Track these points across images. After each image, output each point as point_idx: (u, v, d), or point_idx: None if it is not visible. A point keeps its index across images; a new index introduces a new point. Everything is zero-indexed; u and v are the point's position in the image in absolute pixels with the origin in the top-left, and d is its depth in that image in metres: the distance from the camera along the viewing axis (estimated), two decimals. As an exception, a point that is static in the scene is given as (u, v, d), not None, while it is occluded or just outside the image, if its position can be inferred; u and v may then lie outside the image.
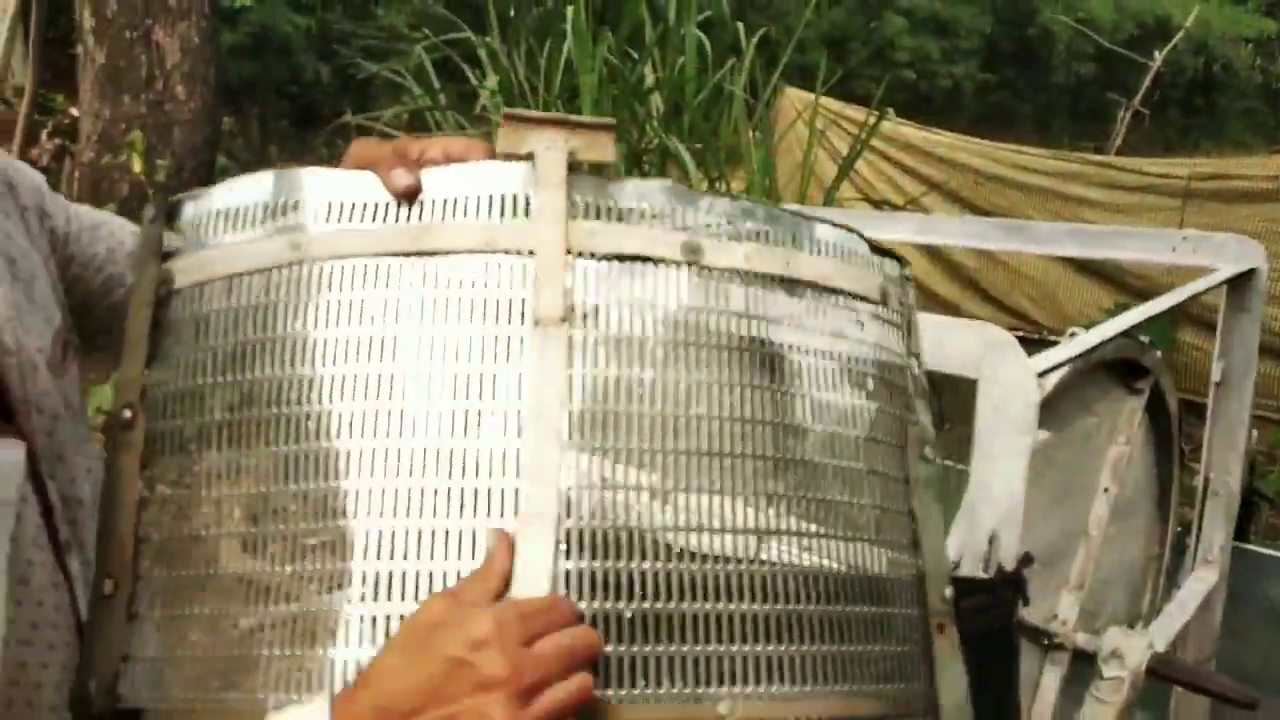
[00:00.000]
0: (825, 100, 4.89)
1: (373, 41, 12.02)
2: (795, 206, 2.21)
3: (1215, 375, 1.65)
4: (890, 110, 4.39)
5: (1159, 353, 1.52)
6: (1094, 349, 1.13)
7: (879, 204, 5.21)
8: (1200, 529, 1.71)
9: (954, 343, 0.98)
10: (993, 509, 0.96)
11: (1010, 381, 0.93)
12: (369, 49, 11.90)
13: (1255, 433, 2.11)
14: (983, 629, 0.97)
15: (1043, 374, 0.97)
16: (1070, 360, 1.09)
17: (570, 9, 3.67)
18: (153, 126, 3.28)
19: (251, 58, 10.79)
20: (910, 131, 5.77)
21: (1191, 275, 1.61)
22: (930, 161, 5.64)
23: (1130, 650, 1.35)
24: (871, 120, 4.11)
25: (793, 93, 5.75)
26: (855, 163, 4.29)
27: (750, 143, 3.92)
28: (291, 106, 12.43)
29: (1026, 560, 0.98)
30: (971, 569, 0.98)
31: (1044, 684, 1.43)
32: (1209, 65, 22.22)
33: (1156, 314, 1.33)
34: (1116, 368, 1.46)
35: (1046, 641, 1.41)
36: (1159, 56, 7.54)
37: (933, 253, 5.61)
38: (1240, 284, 1.60)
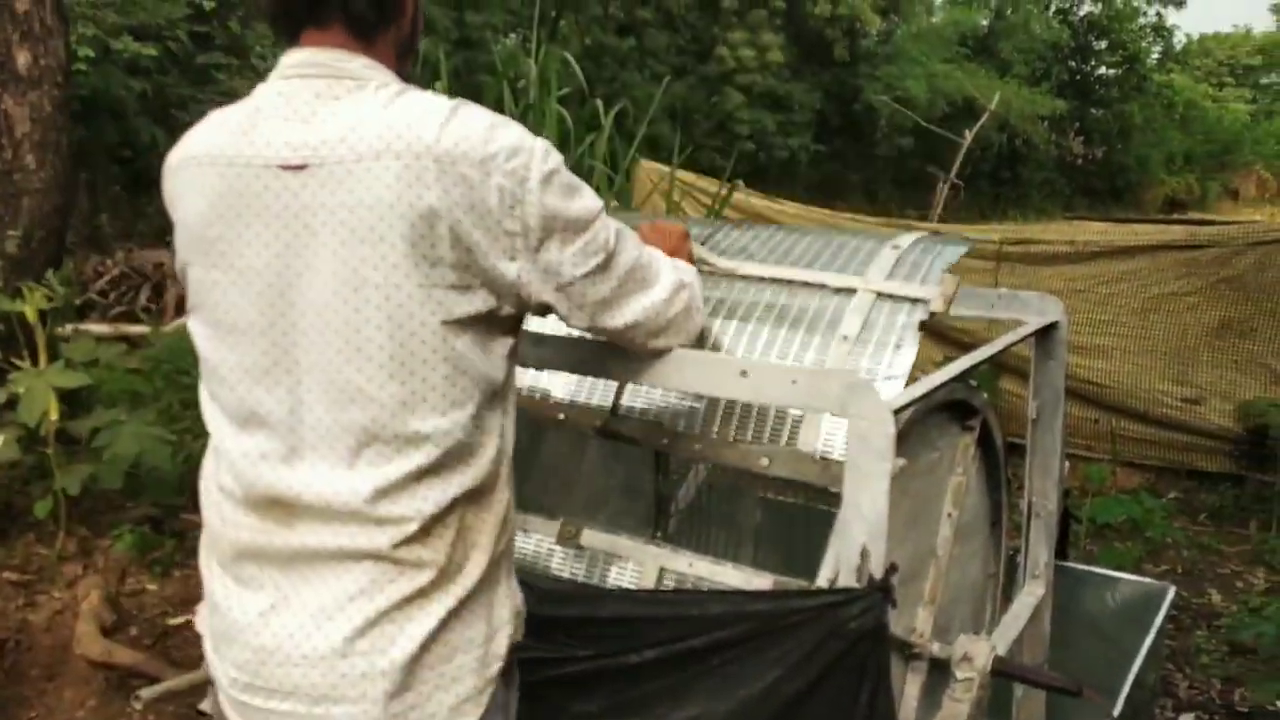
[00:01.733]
0: (679, 172, 5.19)
1: (212, 106, 11.72)
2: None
3: (1031, 413, 1.92)
4: (740, 182, 4.71)
5: (985, 395, 1.77)
6: (934, 390, 1.33)
7: (731, 268, 5.52)
8: (1027, 548, 1.96)
9: (823, 386, 1.16)
10: (863, 525, 1.13)
11: (872, 415, 1.11)
12: (207, 114, 11.58)
13: (1067, 465, 2.42)
14: (859, 632, 1.13)
15: (897, 411, 1.16)
16: (917, 400, 1.29)
17: (437, 85, 3.80)
18: (1, 196, 3.16)
19: (81, 122, 10.33)
20: (759, 201, 6.16)
21: (1007, 329, 1.87)
22: (776, 228, 6.03)
23: (978, 653, 1.56)
24: (725, 191, 4.41)
25: (646, 164, 6.04)
26: (709, 230, 4.55)
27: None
28: (124, 172, 11.90)
29: (893, 569, 1.15)
30: (847, 579, 1.15)
31: (906, 692, 1.60)
32: (1012, 141, 24.54)
33: (979, 361, 1.56)
34: (952, 408, 1.69)
35: (907, 652, 1.59)
36: (969, 134, 8.33)
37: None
38: (1046, 335, 1.87)
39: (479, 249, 1.03)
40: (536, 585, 1.42)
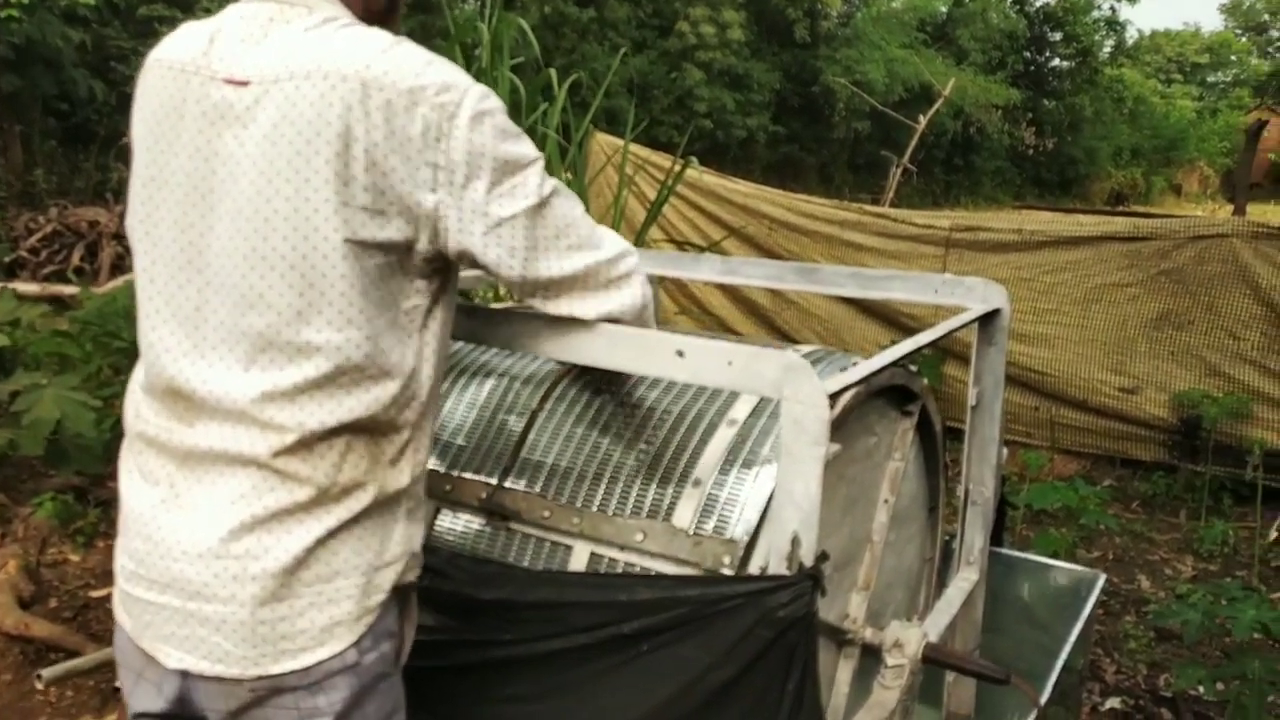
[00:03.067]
0: (633, 146, 5.13)
1: (156, 61, 11.32)
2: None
3: (971, 399, 1.91)
4: (694, 159, 4.66)
5: (925, 381, 1.76)
6: (872, 375, 1.31)
7: (683, 245, 5.50)
8: (963, 534, 1.96)
9: (759, 368, 1.13)
10: (795, 511, 1.11)
11: (807, 399, 1.08)
12: (151, 68, 11.19)
13: (1005, 451, 2.43)
14: (788, 619, 1.11)
15: (833, 395, 1.13)
16: (854, 384, 1.26)
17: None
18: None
19: (14, 71, 9.89)
20: (712, 179, 6.12)
21: (952, 315, 1.86)
22: (729, 208, 6.01)
23: (909, 640, 1.55)
24: (678, 168, 4.36)
25: (602, 137, 5.97)
26: (662, 207, 4.52)
27: (564, 184, 4.06)
28: (60, 125, 11.45)
29: (823, 557, 1.13)
30: (777, 566, 1.12)
31: (838, 678, 1.60)
32: (966, 128, 24.83)
33: (923, 345, 1.54)
34: (891, 394, 1.67)
35: (839, 638, 1.58)
36: (923, 119, 8.38)
37: (732, 293, 5.97)
38: (988, 321, 1.86)
39: (394, 175, 1.05)
40: (463, 567, 1.38)
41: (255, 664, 1.07)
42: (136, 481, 1.15)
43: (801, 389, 1.09)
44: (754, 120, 20.74)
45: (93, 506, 3.40)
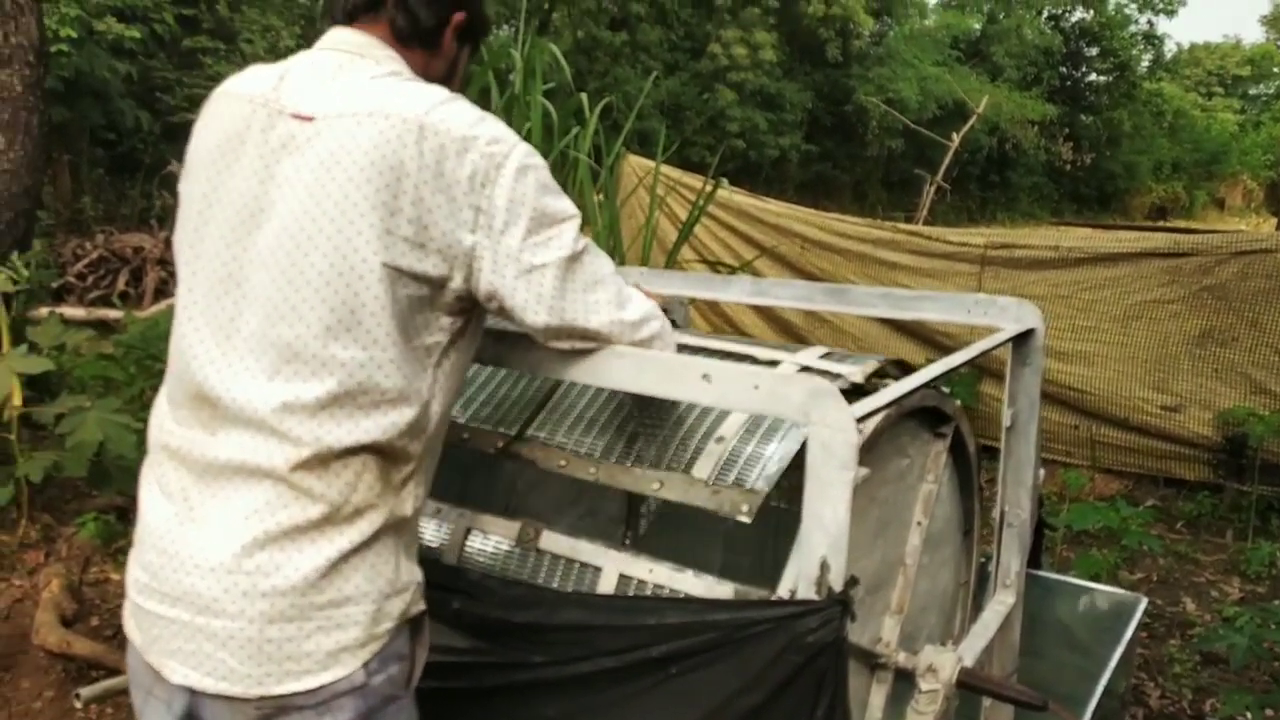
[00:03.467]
0: (664, 167, 5.15)
1: (199, 91, 11.61)
2: (647, 269, 2.36)
3: (1005, 421, 1.89)
4: (725, 179, 4.67)
5: (959, 402, 1.74)
6: (902, 398, 1.30)
7: (715, 266, 5.50)
8: (999, 557, 1.93)
9: (786, 392, 1.13)
10: (824, 536, 1.10)
11: (834, 424, 1.07)
12: (194, 98, 11.47)
13: (1043, 471, 2.39)
14: (817, 645, 1.10)
15: (861, 419, 1.12)
16: (883, 408, 1.25)
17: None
18: (-31, 176, 3.09)
19: (64, 103, 10.20)
20: (743, 199, 6.13)
21: (987, 333, 1.84)
22: (761, 227, 6.01)
23: (943, 665, 1.53)
24: (709, 188, 4.37)
25: (633, 159, 6.01)
26: (693, 228, 4.53)
27: (595, 206, 4.09)
28: (107, 154, 11.76)
29: (852, 582, 1.12)
30: (806, 591, 1.11)
31: (871, 702, 1.58)
32: (1002, 145, 24.64)
33: (955, 367, 1.53)
34: (924, 415, 1.66)
35: (872, 663, 1.56)
36: (956, 137, 8.33)
37: (765, 311, 5.95)
38: (1022, 341, 1.84)
39: (439, 212, 1.10)
40: (492, 589, 1.39)
41: (259, 683, 1.08)
42: (155, 495, 1.17)
43: (829, 414, 1.09)
44: (787, 140, 20.74)
45: (134, 526, 3.47)
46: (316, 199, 1.09)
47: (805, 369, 1.49)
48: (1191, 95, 35.99)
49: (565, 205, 1.18)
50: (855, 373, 1.51)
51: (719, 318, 6.12)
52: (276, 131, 1.13)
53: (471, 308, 1.18)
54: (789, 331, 5.93)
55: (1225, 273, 4.75)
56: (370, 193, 1.08)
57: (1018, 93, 25.35)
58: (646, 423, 1.46)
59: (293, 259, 1.09)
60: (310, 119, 1.12)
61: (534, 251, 1.14)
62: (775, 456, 1.34)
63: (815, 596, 1.11)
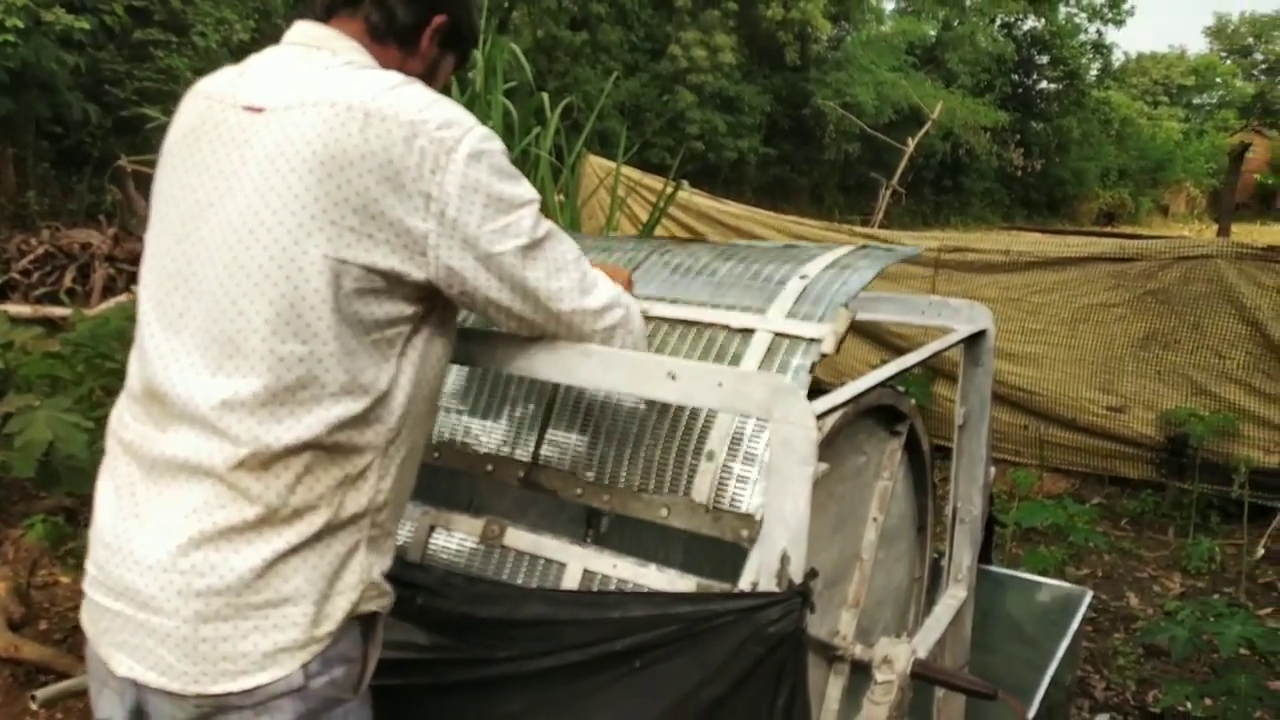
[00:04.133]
0: (625, 168, 5.16)
1: (150, 84, 11.35)
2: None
3: (958, 419, 1.94)
4: (685, 181, 4.70)
5: (914, 401, 1.79)
6: (860, 395, 1.34)
7: (675, 267, 5.53)
8: (951, 552, 1.99)
9: (748, 390, 1.15)
10: (784, 529, 1.13)
11: (795, 420, 1.10)
12: (145, 91, 11.22)
13: (993, 470, 2.46)
14: (778, 636, 1.13)
15: (821, 415, 1.16)
16: (841, 405, 1.29)
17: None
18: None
19: (9, 95, 9.92)
20: (703, 201, 6.18)
21: (941, 334, 1.89)
22: (721, 229, 6.06)
23: (898, 657, 1.57)
24: (669, 189, 4.40)
25: (594, 160, 6.02)
26: (654, 228, 4.56)
27: (557, 206, 4.10)
28: (54, 148, 11.47)
29: (812, 574, 1.15)
30: (767, 583, 1.14)
31: (829, 694, 1.61)
32: (955, 150, 25.05)
33: (910, 366, 1.57)
34: (880, 414, 1.70)
35: (829, 655, 1.60)
36: (911, 142, 8.47)
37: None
38: (974, 342, 1.90)
39: (386, 200, 1.08)
40: (456, 585, 1.40)
41: (196, 681, 1.08)
42: (107, 490, 1.18)
43: (791, 410, 1.12)
44: (745, 142, 20.89)
45: (83, 528, 3.40)
46: (260, 192, 1.08)
47: (779, 335, 1.48)
48: (1138, 104, 36.92)
49: (523, 190, 1.15)
50: (827, 335, 1.45)
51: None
52: (228, 125, 1.13)
53: (434, 295, 1.16)
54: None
55: (1168, 277, 4.90)
56: (313, 183, 1.06)
57: (971, 99, 25.81)
58: (641, 435, 1.46)
59: (234, 253, 1.08)
60: (260, 110, 1.11)
61: (491, 239, 1.12)
62: (761, 479, 1.35)
63: (776, 589, 1.14)
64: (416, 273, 1.11)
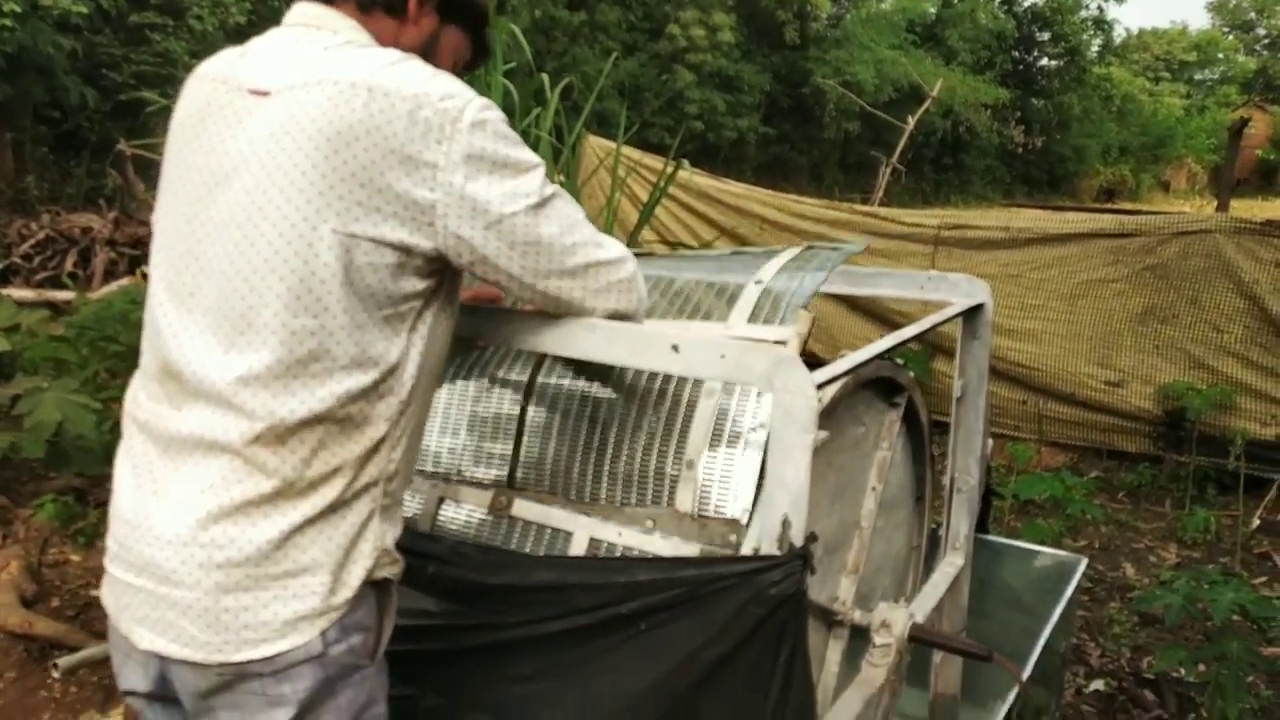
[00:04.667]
0: (625, 148, 5.17)
1: (147, 67, 11.32)
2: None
3: (956, 392, 1.97)
4: (685, 161, 4.72)
5: (912, 374, 1.82)
6: (858, 367, 1.37)
7: (675, 246, 5.56)
8: (949, 521, 2.03)
9: (750, 361, 1.19)
10: (785, 495, 1.16)
11: (796, 390, 1.14)
12: (142, 75, 11.18)
13: (990, 443, 2.50)
14: (779, 597, 1.17)
15: (821, 385, 1.19)
16: (841, 375, 1.32)
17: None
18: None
19: (6, 79, 9.90)
20: (703, 181, 6.19)
21: (940, 311, 1.92)
22: (721, 208, 6.07)
23: (896, 621, 1.61)
24: (669, 169, 4.41)
25: (594, 140, 6.03)
26: (654, 208, 4.58)
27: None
28: (52, 132, 11.45)
29: (812, 538, 1.19)
30: (768, 547, 1.18)
31: (828, 657, 1.66)
32: (956, 128, 24.94)
33: (910, 339, 1.60)
34: (879, 385, 1.73)
35: (829, 620, 1.64)
36: (911, 119, 8.45)
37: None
38: (972, 316, 1.93)
39: (392, 173, 1.10)
40: (467, 554, 1.43)
41: (219, 650, 1.11)
42: (125, 468, 1.20)
43: (791, 380, 1.15)
44: (745, 122, 20.80)
45: (93, 508, 3.44)
46: (268, 170, 1.10)
47: (744, 340, 1.50)
48: (1139, 80, 36.72)
49: (527, 154, 1.16)
50: (790, 338, 1.48)
51: (679, 298, 6.18)
52: (234, 107, 1.15)
53: (444, 268, 1.18)
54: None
55: (1167, 253, 4.93)
56: (319, 160, 1.08)
57: (971, 76, 25.68)
58: (618, 449, 1.48)
59: (244, 231, 1.10)
60: (266, 94, 1.13)
61: (500, 203, 1.13)
62: (742, 479, 1.37)
63: (777, 552, 1.18)
64: (425, 243, 1.13)
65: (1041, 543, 2.92)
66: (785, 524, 1.17)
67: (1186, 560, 4.03)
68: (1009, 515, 4.18)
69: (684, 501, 1.39)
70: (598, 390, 1.55)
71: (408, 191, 1.10)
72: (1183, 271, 4.89)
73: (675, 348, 1.24)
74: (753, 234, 5.93)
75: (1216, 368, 4.83)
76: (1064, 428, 5.19)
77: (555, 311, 1.28)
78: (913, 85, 20.75)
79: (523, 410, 1.58)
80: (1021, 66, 29.08)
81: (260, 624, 1.11)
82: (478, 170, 1.12)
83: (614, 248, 1.27)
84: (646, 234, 5.68)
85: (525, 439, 1.56)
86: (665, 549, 1.36)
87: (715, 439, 1.41)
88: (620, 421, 1.49)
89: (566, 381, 1.58)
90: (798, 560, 1.16)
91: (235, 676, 1.12)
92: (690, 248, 5.25)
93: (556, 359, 1.59)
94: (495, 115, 1.15)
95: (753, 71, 21.15)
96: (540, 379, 1.60)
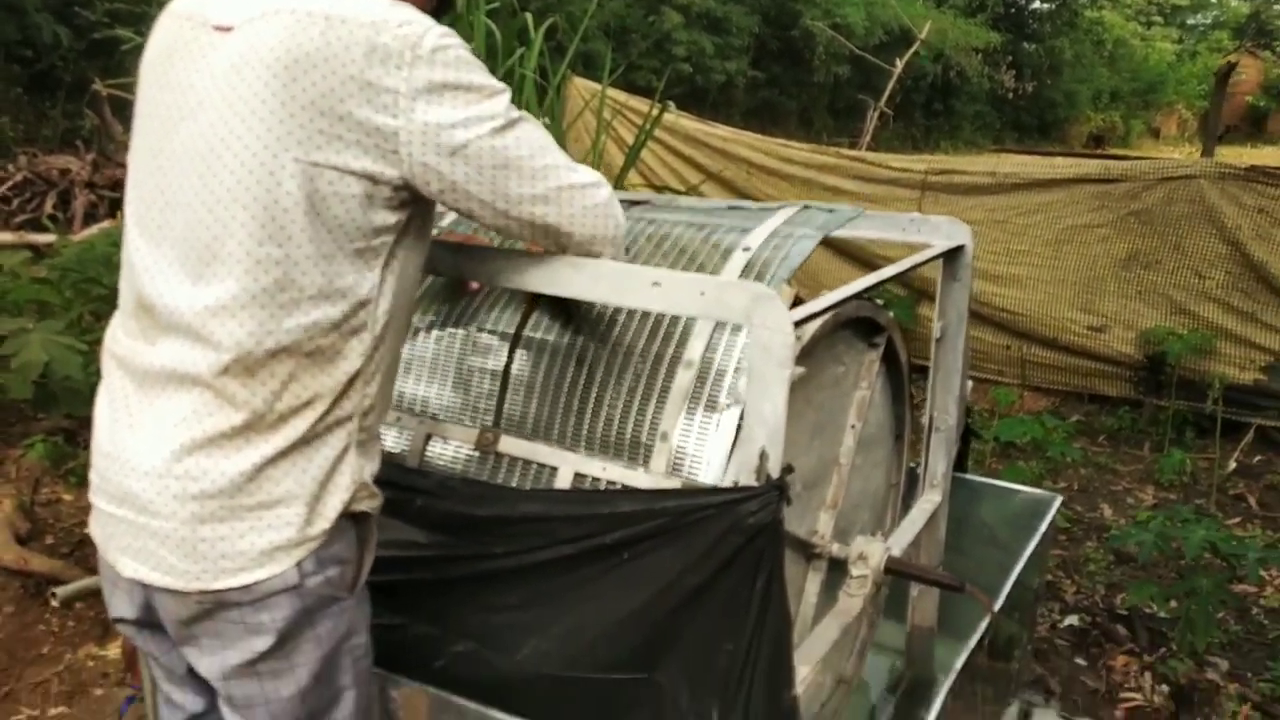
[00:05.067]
0: (611, 91, 5.11)
1: (120, 5, 11.03)
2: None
3: (935, 333, 2.00)
4: (671, 103, 4.68)
5: (892, 315, 1.84)
6: (836, 305, 1.39)
7: (661, 190, 5.53)
8: (926, 459, 2.07)
9: (730, 298, 1.21)
10: (763, 428, 1.19)
11: (773, 326, 1.16)
12: (116, 13, 10.91)
13: (970, 384, 2.53)
14: (756, 526, 1.20)
15: (798, 323, 1.21)
16: (818, 313, 1.34)
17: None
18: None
19: (-24, 16, 9.65)
20: (690, 124, 6.13)
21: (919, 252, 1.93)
22: (708, 152, 6.03)
23: (872, 553, 1.66)
24: (655, 111, 4.38)
25: (579, 82, 5.96)
26: (640, 152, 4.55)
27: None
28: (25, 72, 11.18)
29: (788, 469, 1.22)
30: (746, 479, 1.21)
31: (807, 589, 1.71)
32: (946, 72, 24.63)
33: (888, 279, 1.62)
34: (859, 326, 1.76)
35: (808, 553, 1.69)
36: (899, 62, 8.37)
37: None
38: (953, 258, 1.95)
39: (352, 100, 1.09)
40: (454, 487, 1.46)
41: (197, 579, 1.14)
42: (104, 403, 1.23)
43: (769, 316, 1.17)
44: (733, 64, 20.47)
45: (83, 448, 3.45)
46: (230, 102, 1.10)
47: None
48: (1131, 24, 36.26)
49: (490, 79, 1.16)
50: None
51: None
52: (199, 44, 1.15)
53: (413, 200, 1.18)
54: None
55: (1151, 198, 4.94)
56: (278, 88, 1.08)
57: (963, 20, 25.31)
58: (597, 412, 1.49)
59: (208, 163, 1.11)
60: (229, 29, 1.13)
61: (465, 126, 1.12)
62: (715, 452, 1.38)
63: (755, 483, 1.21)
64: (390, 171, 1.12)
65: (1021, 484, 2.99)
66: (763, 456, 1.20)
67: (1163, 502, 4.12)
68: (990, 458, 4.25)
69: (657, 469, 1.41)
70: (580, 343, 1.56)
71: (369, 119, 1.10)
72: (1167, 217, 4.91)
73: (656, 284, 1.25)
74: (740, 178, 5.91)
75: (1198, 313, 4.89)
76: (1047, 372, 5.26)
77: (532, 239, 1.28)
78: (903, 28, 20.43)
79: (508, 362, 1.59)
80: (1013, 10, 28.67)
81: (237, 554, 1.13)
82: (440, 96, 1.11)
83: (587, 173, 1.26)
84: (633, 178, 5.65)
85: (509, 389, 1.57)
86: (647, 483, 1.39)
87: (691, 408, 1.42)
88: (600, 380, 1.51)
89: (550, 335, 1.59)
90: (774, 491, 1.20)
91: (214, 604, 1.15)
92: (677, 192, 5.23)
93: (544, 310, 1.60)
94: (455, 41, 1.14)
95: (741, 13, 20.76)
96: (524, 334, 1.61)
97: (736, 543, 1.21)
